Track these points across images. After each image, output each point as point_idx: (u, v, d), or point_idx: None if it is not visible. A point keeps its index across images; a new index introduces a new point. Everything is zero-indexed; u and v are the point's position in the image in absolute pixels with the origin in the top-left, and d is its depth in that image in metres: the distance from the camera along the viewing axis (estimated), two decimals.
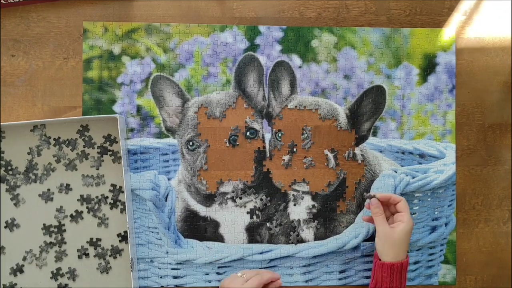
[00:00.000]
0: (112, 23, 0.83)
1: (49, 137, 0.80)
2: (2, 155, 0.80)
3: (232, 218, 0.82)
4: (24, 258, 0.79)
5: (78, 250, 0.80)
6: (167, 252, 0.81)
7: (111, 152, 0.81)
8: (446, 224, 0.85)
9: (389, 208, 0.77)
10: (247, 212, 0.82)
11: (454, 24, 0.86)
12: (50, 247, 0.80)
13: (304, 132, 0.82)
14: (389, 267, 0.73)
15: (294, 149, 0.82)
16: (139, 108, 0.83)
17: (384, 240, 0.74)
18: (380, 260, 0.74)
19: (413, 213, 0.84)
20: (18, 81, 0.82)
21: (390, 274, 0.73)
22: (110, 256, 0.80)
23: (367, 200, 0.77)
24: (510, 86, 0.87)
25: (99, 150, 0.81)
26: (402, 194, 0.83)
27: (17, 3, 0.81)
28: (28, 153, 0.80)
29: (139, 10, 0.83)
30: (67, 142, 0.80)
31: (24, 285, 0.80)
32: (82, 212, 0.80)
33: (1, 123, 0.78)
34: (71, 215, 0.80)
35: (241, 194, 0.82)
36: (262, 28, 0.84)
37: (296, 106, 0.83)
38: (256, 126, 0.83)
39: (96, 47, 0.83)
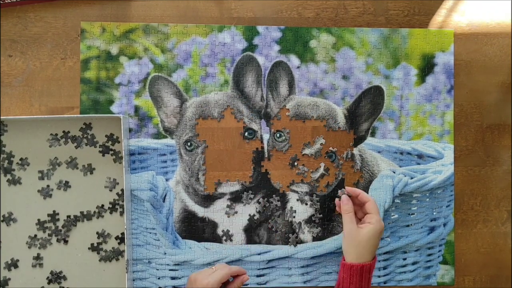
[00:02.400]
0: (110, 23, 0.83)
1: (56, 134, 0.80)
2: (3, 148, 0.79)
3: (230, 219, 0.82)
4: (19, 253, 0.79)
5: (74, 249, 0.80)
6: (165, 253, 0.81)
7: (112, 152, 0.81)
8: (444, 225, 0.85)
9: (362, 208, 0.75)
10: (248, 219, 0.82)
11: (452, 24, 0.86)
12: (45, 244, 0.80)
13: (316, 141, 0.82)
14: (349, 267, 0.71)
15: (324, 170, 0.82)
16: (137, 109, 0.83)
17: (349, 240, 0.72)
18: (344, 260, 0.73)
19: (412, 214, 0.84)
20: (15, 81, 0.82)
21: (349, 276, 0.71)
22: (108, 258, 0.80)
23: (337, 198, 0.75)
24: (508, 87, 0.87)
25: (101, 149, 0.81)
26: (400, 195, 0.83)
27: (15, 3, 0.80)
28: (39, 148, 0.80)
29: (137, 10, 0.83)
30: (73, 138, 0.80)
31: (18, 280, 0.79)
32: (79, 220, 0.80)
33: (6, 117, 0.78)
34: (68, 216, 0.80)
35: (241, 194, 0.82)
36: (260, 29, 0.84)
37: (294, 107, 0.83)
38: (254, 126, 0.83)
39: (93, 47, 0.82)
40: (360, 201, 0.75)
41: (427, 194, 0.84)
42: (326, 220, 0.83)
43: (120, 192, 0.81)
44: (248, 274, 0.78)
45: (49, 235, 0.80)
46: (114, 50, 0.83)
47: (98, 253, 0.80)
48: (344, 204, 0.74)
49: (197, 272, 0.72)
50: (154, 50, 0.83)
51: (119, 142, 0.81)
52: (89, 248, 0.80)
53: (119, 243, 0.80)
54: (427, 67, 0.86)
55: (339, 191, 0.75)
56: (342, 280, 0.72)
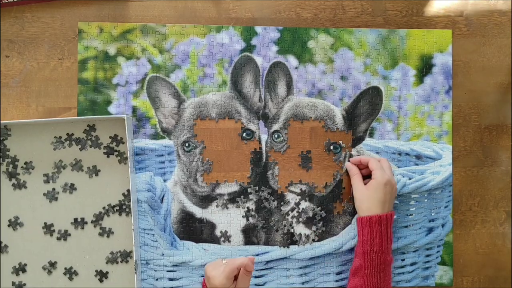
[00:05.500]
0: (108, 23, 0.82)
1: (60, 137, 0.80)
2: (7, 153, 0.79)
3: (229, 220, 0.82)
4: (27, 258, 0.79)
5: (82, 251, 0.80)
6: (163, 254, 0.81)
7: (117, 153, 0.80)
8: (442, 226, 0.85)
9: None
10: (243, 216, 0.82)
11: (450, 25, 0.86)
12: (53, 247, 0.79)
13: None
14: (360, 220, 0.77)
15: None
16: (134, 109, 0.82)
17: (358, 198, 0.78)
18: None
19: (410, 214, 0.84)
20: (13, 82, 0.81)
21: (361, 227, 0.76)
22: (115, 260, 0.80)
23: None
24: (506, 87, 0.87)
25: (105, 151, 0.80)
26: (398, 196, 0.83)
27: (12, 3, 0.80)
28: (43, 152, 0.80)
29: (134, 11, 0.83)
30: (78, 140, 0.80)
31: (26, 284, 0.79)
32: (86, 222, 0.80)
33: (9, 121, 0.78)
34: (75, 219, 0.80)
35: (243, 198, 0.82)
36: (258, 29, 0.84)
37: (292, 107, 0.83)
38: (252, 127, 0.82)
39: (91, 48, 0.82)
40: (363, 164, 0.81)
41: (426, 195, 0.84)
42: (325, 221, 0.83)
43: (126, 193, 0.80)
44: None
45: (57, 238, 0.80)
46: (111, 50, 0.82)
47: (106, 255, 0.80)
48: (349, 170, 0.81)
49: (211, 265, 0.71)
50: (152, 50, 0.83)
51: (123, 142, 0.81)
52: (96, 250, 0.80)
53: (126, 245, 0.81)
54: (425, 67, 0.86)
55: (346, 163, 0.83)
56: (362, 234, 0.76)
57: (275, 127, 0.83)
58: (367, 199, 0.77)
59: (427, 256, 0.85)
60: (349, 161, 0.82)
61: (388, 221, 0.76)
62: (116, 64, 0.82)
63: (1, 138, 0.79)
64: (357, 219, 0.78)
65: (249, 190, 0.82)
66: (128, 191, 0.80)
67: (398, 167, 0.84)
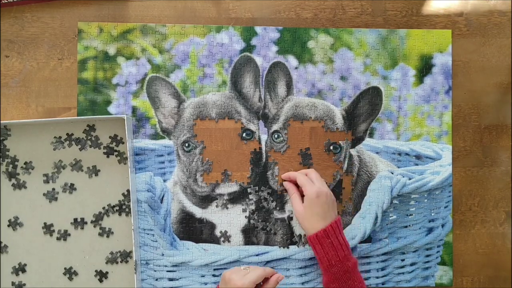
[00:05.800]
0: (107, 23, 0.82)
1: (60, 137, 0.80)
2: (7, 153, 0.79)
3: (228, 220, 0.82)
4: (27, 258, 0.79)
5: (81, 251, 0.80)
6: (163, 254, 0.81)
7: (117, 153, 0.80)
8: (442, 226, 0.85)
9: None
10: (245, 217, 0.82)
11: (450, 25, 0.86)
12: (52, 247, 0.79)
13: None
14: (314, 237, 0.74)
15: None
16: (134, 109, 0.82)
17: (299, 218, 0.76)
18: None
19: (410, 215, 0.84)
20: (12, 82, 0.81)
21: (319, 244, 0.74)
22: (115, 260, 0.80)
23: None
24: (506, 87, 0.87)
25: (105, 151, 0.80)
26: (398, 196, 0.83)
27: (12, 3, 0.80)
28: (43, 152, 0.80)
29: (134, 11, 0.83)
30: (77, 140, 0.80)
31: (26, 284, 0.79)
32: (86, 222, 0.80)
33: (9, 121, 0.78)
34: (75, 219, 0.80)
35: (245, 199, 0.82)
36: (258, 29, 0.84)
37: (292, 107, 0.83)
38: (252, 127, 0.82)
39: (91, 48, 0.82)
40: (292, 180, 0.80)
41: (425, 195, 0.84)
42: None
43: (126, 193, 0.80)
44: None
45: (57, 238, 0.80)
46: (111, 50, 0.82)
47: (106, 255, 0.80)
48: (288, 189, 0.80)
49: (229, 270, 0.74)
50: (151, 50, 0.83)
51: (123, 143, 0.81)
52: (96, 250, 0.80)
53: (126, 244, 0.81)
54: (425, 68, 0.86)
55: (284, 183, 0.81)
56: (316, 252, 0.75)
57: (275, 127, 0.83)
58: (307, 218, 0.75)
59: (427, 256, 0.85)
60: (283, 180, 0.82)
61: (335, 230, 0.74)
62: (116, 64, 0.82)
63: (1, 138, 0.79)
64: (308, 239, 0.76)
65: (249, 190, 0.82)
66: (128, 191, 0.80)
67: (398, 167, 0.84)
